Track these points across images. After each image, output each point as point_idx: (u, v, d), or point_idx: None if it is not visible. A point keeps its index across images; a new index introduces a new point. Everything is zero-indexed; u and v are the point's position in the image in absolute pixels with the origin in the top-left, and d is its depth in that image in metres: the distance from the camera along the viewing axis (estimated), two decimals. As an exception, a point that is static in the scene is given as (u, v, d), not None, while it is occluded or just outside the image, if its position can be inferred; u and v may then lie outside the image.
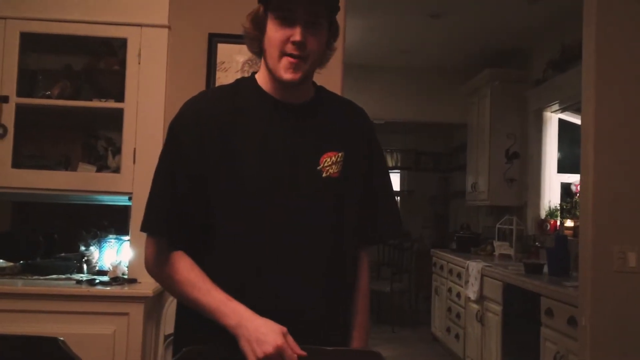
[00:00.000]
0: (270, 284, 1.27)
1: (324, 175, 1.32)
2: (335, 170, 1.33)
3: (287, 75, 1.27)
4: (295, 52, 1.26)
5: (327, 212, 1.32)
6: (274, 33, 1.27)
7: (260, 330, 1.17)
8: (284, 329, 1.18)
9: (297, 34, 1.24)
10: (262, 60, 1.35)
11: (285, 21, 1.25)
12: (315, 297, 1.30)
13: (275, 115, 1.33)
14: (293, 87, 1.31)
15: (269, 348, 1.14)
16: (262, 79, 1.36)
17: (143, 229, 1.31)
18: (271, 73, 1.31)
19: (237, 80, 1.43)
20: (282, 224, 1.28)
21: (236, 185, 1.27)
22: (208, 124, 1.29)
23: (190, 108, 1.33)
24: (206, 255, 1.30)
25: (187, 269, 1.27)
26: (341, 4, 2.65)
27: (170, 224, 1.29)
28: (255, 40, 1.33)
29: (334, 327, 1.35)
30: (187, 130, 1.30)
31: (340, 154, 1.34)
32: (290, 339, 1.18)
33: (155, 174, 1.33)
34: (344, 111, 1.44)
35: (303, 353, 1.16)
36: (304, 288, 1.29)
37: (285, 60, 1.26)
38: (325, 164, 1.32)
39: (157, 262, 1.31)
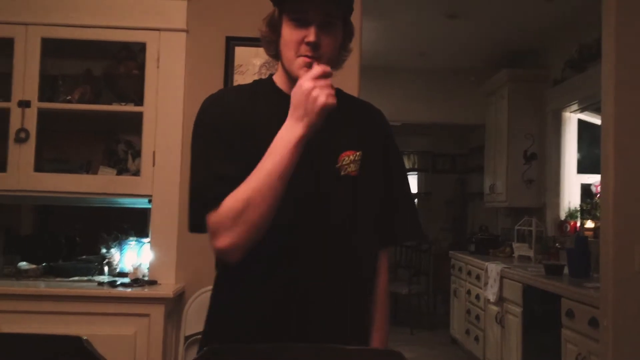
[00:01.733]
0: (286, 280, 1.28)
1: (342, 173, 1.32)
2: (354, 169, 1.33)
3: (303, 73, 1.26)
4: (309, 53, 1.26)
5: (344, 210, 1.32)
6: (289, 35, 1.28)
7: (298, 95, 1.18)
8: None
9: (311, 35, 1.25)
10: (280, 62, 1.36)
11: (300, 22, 1.26)
12: (332, 295, 1.30)
13: None
14: None
15: (308, 84, 1.17)
16: (280, 80, 1.37)
17: (193, 229, 1.28)
18: (289, 74, 1.32)
19: (255, 82, 1.44)
20: (299, 221, 1.28)
21: None
22: (231, 117, 1.30)
23: (213, 102, 1.34)
24: None
25: (234, 192, 1.20)
26: (357, 5, 2.64)
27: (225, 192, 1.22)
28: (272, 44, 1.34)
29: (350, 325, 1.35)
30: (214, 118, 1.30)
31: (358, 153, 1.34)
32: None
33: (193, 163, 1.29)
34: (362, 112, 1.44)
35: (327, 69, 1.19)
36: (320, 286, 1.29)
37: (301, 60, 1.27)
38: (344, 163, 1.33)
39: (220, 229, 1.21)
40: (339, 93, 1.42)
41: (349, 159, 1.33)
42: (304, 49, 1.26)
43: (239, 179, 1.20)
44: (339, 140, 1.34)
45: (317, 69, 1.19)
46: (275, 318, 1.28)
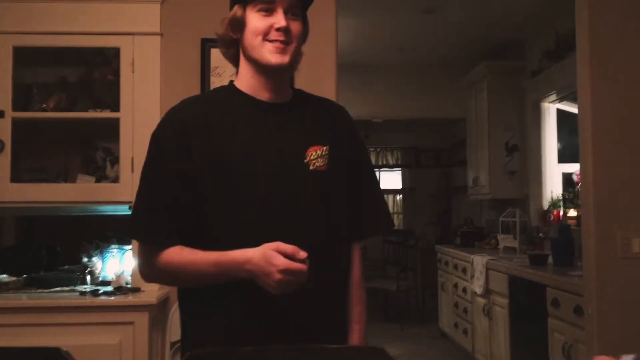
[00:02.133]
0: None
1: (311, 168, 1.34)
2: (322, 164, 1.36)
3: (275, 59, 1.30)
4: (281, 38, 1.29)
5: (315, 204, 1.34)
6: (257, 23, 1.30)
7: (261, 266, 1.19)
8: (275, 245, 1.19)
9: (281, 20, 1.29)
10: (240, 64, 1.38)
11: (267, 12, 1.30)
12: (307, 289, 1.30)
13: (259, 115, 1.36)
14: (279, 74, 1.35)
15: (276, 276, 1.17)
16: (242, 83, 1.39)
17: (132, 234, 1.37)
18: (257, 65, 1.33)
19: (215, 89, 1.49)
20: (271, 218, 1.29)
21: (224, 184, 1.29)
22: (191, 129, 1.31)
23: (172, 117, 1.35)
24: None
25: (176, 254, 1.28)
26: (332, 3, 2.63)
27: (159, 227, 1.30)
28: (231, 45, 1.37)
29: (328, 322, 1.34)
30: (169, 137, 1.32)
31: (325, 148, 1.37)
32: (287, 247, 1.18)
33: (141, 181, 1.35)
34: (326, 108, 1.47)
35: (305, 255, 1.18)
36: None
37: (271, 45, 1.30)
38: (312, 157, 1.34)
39: (149, 264, 1.32)
40: (300, 93, 1.44)
41: (316, 154, 1.35)
42: (274, 34, 1.30)
43: (182, 207, 1.28)
44: (306, 136, 1.36)
45: (297, 265, 1.17)
46: (255, 316, 1.28)
